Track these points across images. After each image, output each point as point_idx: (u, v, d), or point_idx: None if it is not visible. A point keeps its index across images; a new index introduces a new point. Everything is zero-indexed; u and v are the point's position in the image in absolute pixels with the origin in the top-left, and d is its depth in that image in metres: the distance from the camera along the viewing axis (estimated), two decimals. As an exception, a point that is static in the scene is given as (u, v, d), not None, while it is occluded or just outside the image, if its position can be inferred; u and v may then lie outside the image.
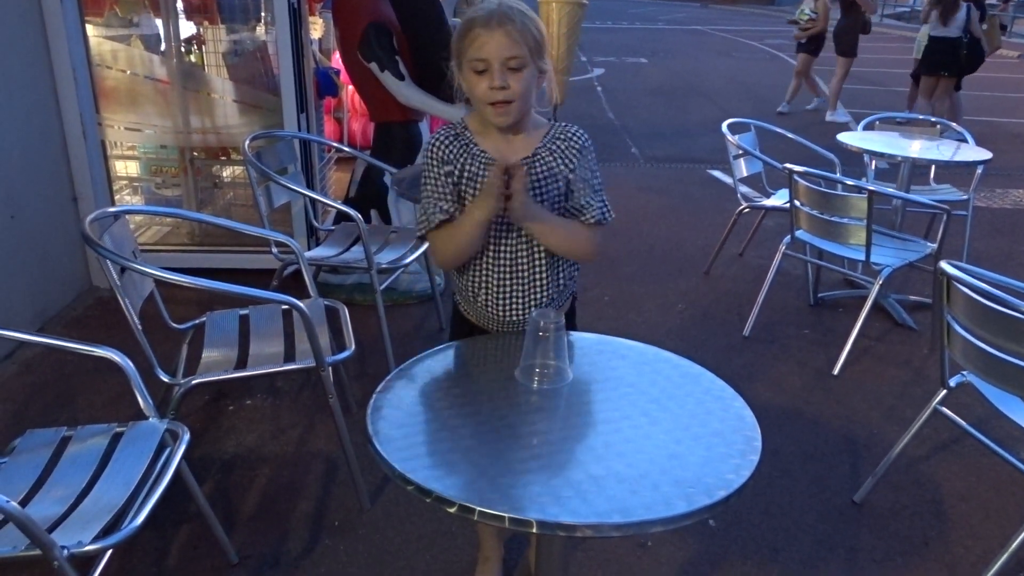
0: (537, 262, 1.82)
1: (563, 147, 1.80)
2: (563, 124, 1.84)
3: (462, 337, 1.93)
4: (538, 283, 1.83)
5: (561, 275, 1.87)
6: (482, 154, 1.78)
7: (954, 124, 5.12)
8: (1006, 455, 2.33)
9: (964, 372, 2.41)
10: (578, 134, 1.83)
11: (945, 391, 2.45)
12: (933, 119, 5.34)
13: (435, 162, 1.80)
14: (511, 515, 1.23)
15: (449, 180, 1.79)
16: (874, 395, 3.33)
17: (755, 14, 28.56)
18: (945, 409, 2.47)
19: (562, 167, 1.79)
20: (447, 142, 1.80)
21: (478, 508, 1.24)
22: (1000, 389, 2.21)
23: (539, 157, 1.79)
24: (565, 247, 1.82)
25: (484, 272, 1.83)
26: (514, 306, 1.83)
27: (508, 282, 1.82)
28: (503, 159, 1.74)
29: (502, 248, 1.80)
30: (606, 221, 1.84)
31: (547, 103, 1.81)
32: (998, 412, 2.29)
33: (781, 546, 2.45)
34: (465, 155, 1.78)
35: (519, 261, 1.81)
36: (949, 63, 7.53)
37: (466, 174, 1.78)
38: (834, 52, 9.01)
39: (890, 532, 2.53)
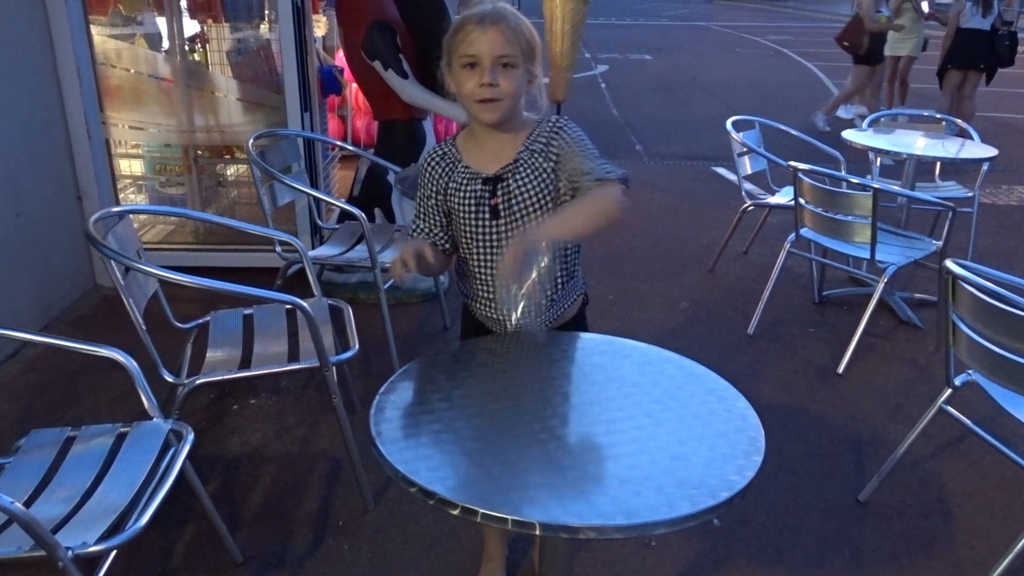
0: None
1: (543, 140, 1.77)
2: (546, 120, 1.80)
3: (470, 335, 1.94)
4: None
5: (557, 273, 1.85)
6: (465, 169, 1.79)
7: (959, 121, 5.08)
8: (1012, 454, 2.31)
9: (970, 371, 2.40)
10: (558, 121, 1.79)
11: (951, 390, 2.44)
12: (938, 115, 5.32)
13: (423, 181, 1.85)
14: (514, 517, 1.23)
15: (432, 204, 1.84)
16: (879, 393, 3.32)
17: (759, 10, 28.51)
18: (951, 408, 2.46)
19: (543, 162, 1.75)
20: (434, 163, 1.83)
21: (481, 510, 1.24)
22: (1006, 388, 2.20)
23: (521, 161, 1.77)
24: (594, 222, 1.64)
25: (483, 278, 1.83)
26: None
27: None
28: (484, 170, 1.76)
29: (495, 256, 1.79)
30: (618, 178, 1.71)
31: (539, 110, 1.80)
32: (1004, 411, 2.28)
33: (786, 546, 2.45)
34: (450, 173, 1.80)
35: None
36: (985, 56, 7.38)
37: (449, 189, 1.80)
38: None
39: (895, 531, 2.52)
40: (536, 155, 1.76)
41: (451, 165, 1.81)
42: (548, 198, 1.77)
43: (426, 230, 1.86)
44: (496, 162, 1.77)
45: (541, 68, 1.76)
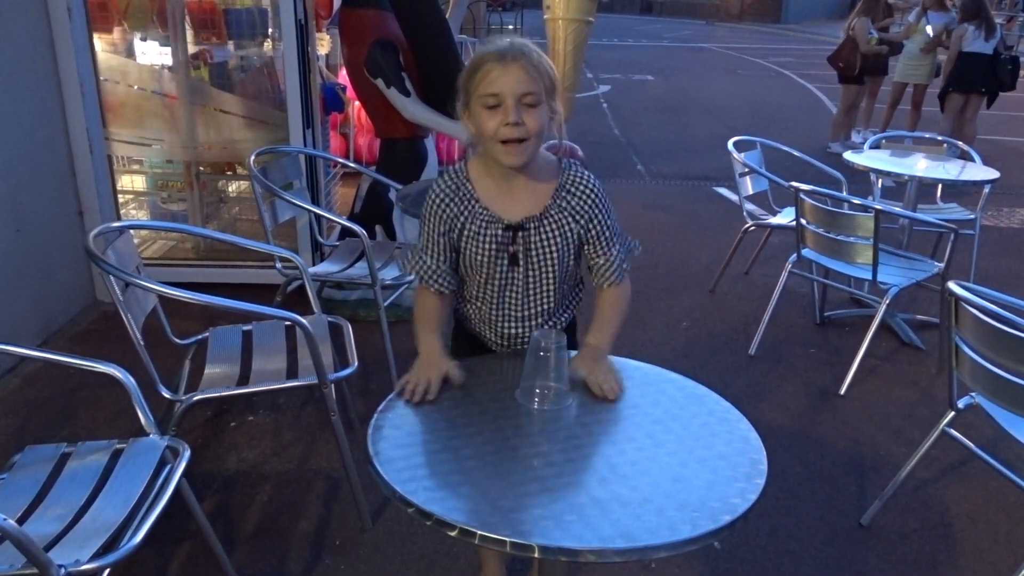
0: (543, 303, 1.80)
1: (574, 202, 1.71)
2: (573, 170, 1.73)
3: (463, 354, 1.91)
4: (543, 321, 1.83)
5: (565, 307, 1.88)
6: (484, 212, 1.70)
7: (961, 143, 5.09)
8: (1015, 478, 2.29)
9: (973, 393, 2.39)
10: (590, 184, 1.72)
11: (953, 413, 2.42)
12: (940, 138, 5.32)
13: (433, 219, 1.73)
14: (513, 539, 1.21)
15: (443, 239, 1.74)
16: (881, 416, 3.30)
17: (760, 32, 28.69)
18: (954, 431, 2.45)
19: (573, 224, 1.72)
20: (448, 200, 1.72)
21: (479, 532, 1.23)
22: (1009, 411, 2.18)
23: (548, 216, 1.70)
24: (623, 321, 1.84)
25: (488, 311, 1.82)
26: (517, 340, 1.84)
27: (512, 322, 1.82)
28: (506, 216, 1.69)
29: (507, 295, 1.78)
30: (636, 253, 1.86)
31: (552, 148, 1.76)
32: (1007, 434, 2.27)
33: (787, 570, 2.42)
34: (467, 214, 1.71)
35: (526, 305, 1.79)
36: (987, 80, 7.40)
37: (467, 233, 1.71)
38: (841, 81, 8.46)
39: (898, 556, 2.50)
40: (564, 213, 1.71)
41: (466, 204, 1.71)
42: (569, 254, 1.75)
43: (433, 267, 1.76)
44: (519, 209, 1.70)
45: (560, 105, 1.68)
